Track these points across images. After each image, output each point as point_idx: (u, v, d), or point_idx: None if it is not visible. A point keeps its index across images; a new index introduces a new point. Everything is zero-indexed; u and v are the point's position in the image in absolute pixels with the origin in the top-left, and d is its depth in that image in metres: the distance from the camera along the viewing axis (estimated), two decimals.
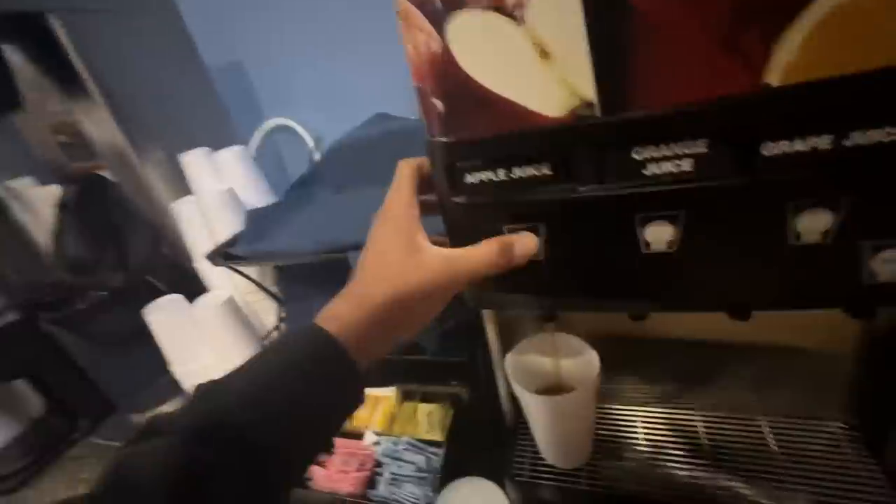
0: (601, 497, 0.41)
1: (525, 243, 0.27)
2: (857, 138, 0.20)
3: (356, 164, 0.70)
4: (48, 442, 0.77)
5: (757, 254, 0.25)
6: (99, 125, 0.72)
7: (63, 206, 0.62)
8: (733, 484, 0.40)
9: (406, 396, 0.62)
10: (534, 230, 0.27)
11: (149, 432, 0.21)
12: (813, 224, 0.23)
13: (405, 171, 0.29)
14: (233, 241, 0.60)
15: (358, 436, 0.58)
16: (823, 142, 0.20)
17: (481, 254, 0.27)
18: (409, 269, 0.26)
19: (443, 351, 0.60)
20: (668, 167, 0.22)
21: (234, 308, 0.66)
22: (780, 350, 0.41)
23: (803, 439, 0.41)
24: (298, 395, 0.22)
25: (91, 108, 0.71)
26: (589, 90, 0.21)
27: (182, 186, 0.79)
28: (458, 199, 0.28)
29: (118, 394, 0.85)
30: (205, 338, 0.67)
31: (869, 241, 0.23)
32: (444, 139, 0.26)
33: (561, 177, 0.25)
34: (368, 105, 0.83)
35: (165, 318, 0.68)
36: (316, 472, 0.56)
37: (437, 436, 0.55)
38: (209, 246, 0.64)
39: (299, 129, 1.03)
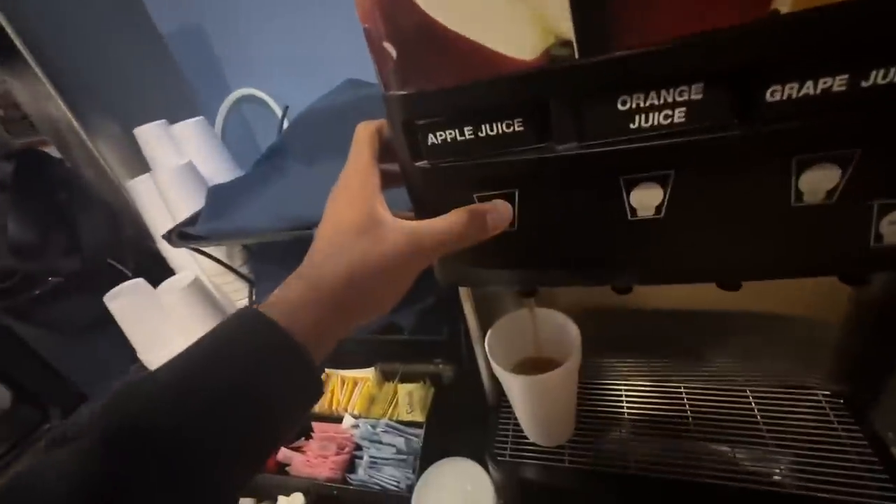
0: (585, 475, 0.40)
1: (499, 212, 0.24)
2: (878, 77, 0.17)
3: (327, 135, 0.66)
4: (20, 433, 0.74)
5: (754, 218, 0.22)
6: (37, 97, 0.66)
7: (0, 187, 0.57)
8: (717, 455, 0.39)
9: (385, 377, 0.60)
10: (508, 197, 0.24)
11: (58, 441, 0.18)
12: (818, 182, 0.20)
13: (362, 136, 0.26)
14: (192, 220, 0.56)
15: (337, 419, 0.56)
16: (838, 83, 0.17)
17: (449, 225, 0.23)
18: (367, 245, 0.23)
19: (422, 329, 0.58)
20: (657, 119, 0.19)
21: (200, 290, 0.62)
22: (766, 318, 0.39)
23: (788, 408, 0.40)
24: (235, 390, 0.19)
25: (27, 79, 0.64)
26: (565, 25, 0.18)
27: (140, 163, 0.74)
28: (420, 164, 0.24)
29: (88, 383, 0.81)
30: (172, 323, 0.64)
31: (878, 200, 0.20)
32: (399, 92, 0.22)
33: (536, 134, 0.21)
34: (340, 71, 0.77)
35: (127, 304, 0.64)
36: (294, 457, 0.54)
37: (418, 416, 0.54)
38: (169, 226, 0.59)
39: (267, 98, 0.96)
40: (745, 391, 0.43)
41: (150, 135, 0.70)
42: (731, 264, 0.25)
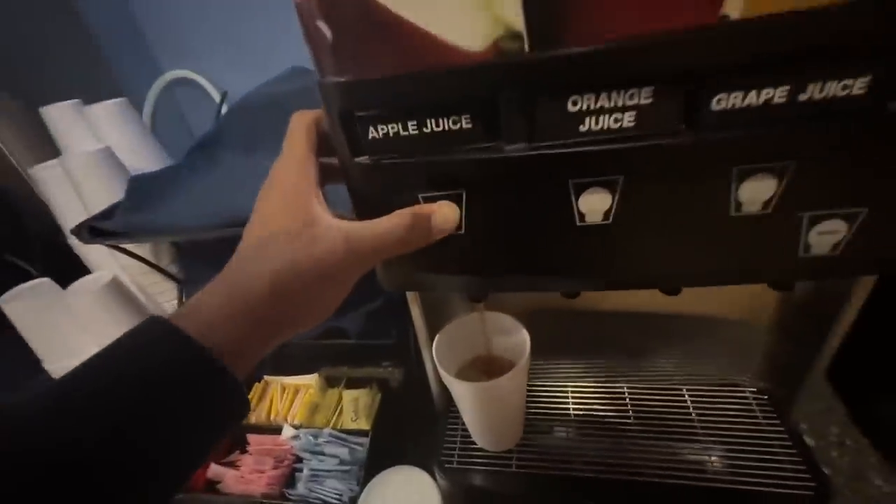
0: (531, 479, 0.40)
1: (444, 214, 0.23)
2: (815, 92, 0.17)
3: (267, 125, 0.61)
4: None
5: (697, 226, 0.22)
6: None
7: None
8: (656, 452, 0.40)
9: (330, 383, 0.57)
10: (454, 199, 0.23)
11: None
12: (756, 192, 0.20)
13: (298, 126, 0.23)
14: (108, 213, 0.49)
15: (275, 430, 0.52)
16: (779, 95, 0.17)
17: (390, 227, 0.21)
18: (299, 248, 0.20)
19: (369, 333, 0.55)
20: (607, 122, 0.19)
21: (119, 292, 0.56)
22: (702, 321, 0.41)
23: (720, 405, 0.42)
24: (140, 410, 0.17)
25: None
26: (515, 15, 0.17)
27: (48, 147, 0.65)
28: (360, 160, 0.22)
29: None
30: (85, 328, 0.57)
31: (809, 211, 0.21)
32: (336, 79, 0.20)
33: (484, 132, 0.20)
34: (286, 57, 0.72)
35: (28, 307, 0.56)
36: (226, 474, 0.50)
37: (364, 424, 0.51)
38: (83, 219, 0.53)
39: (204, 82, 0.89)
40: (681, 390, 0.44)
41: (60, 115, 0.62)
42: (674, 271, 0.25)
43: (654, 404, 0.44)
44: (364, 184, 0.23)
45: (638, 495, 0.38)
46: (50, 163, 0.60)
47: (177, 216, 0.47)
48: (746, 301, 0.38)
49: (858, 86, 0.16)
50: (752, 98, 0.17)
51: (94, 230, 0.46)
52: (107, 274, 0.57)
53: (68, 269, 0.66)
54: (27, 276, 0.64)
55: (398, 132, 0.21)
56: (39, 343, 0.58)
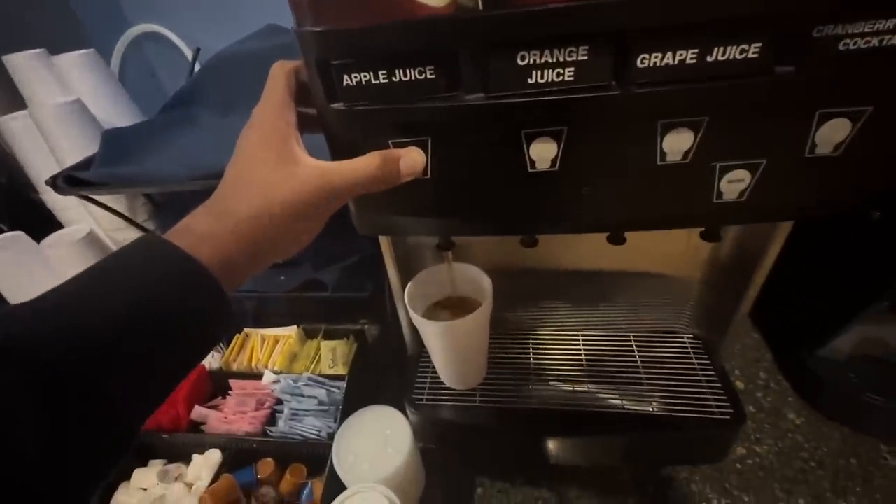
0: (493, 411, 0.45)
1: (412, 158, 0.25)
2: (719, 54, 0.20)
3: (243, 83, 0.61)
4: None
5: (630, 174, 0.26)
6: None
7: None
8: (605, 392, 0.45)
9: (308, 335, 0.60)
10: (421, 145, 0.26)
11: None
12: (676, 144, 0.24)
13: (278, 73, 0.25)
14: (84, 165, 0.50)
15: (257, 376, 0.56)
16: (690, 56, 0.20)
17: (362, 167, 0.24)
18: (279, 182, 0.23)
19: (346, 287, 0.58)
20: (551, 76, 0.22)
21: (95, 246, 0.57)
22: (646, 276, 0.46)
23: (660, 348, 0.48)
24: (134, 314, 0.19)
25: None
26: None
27: (13, 98, 0.63)
28: (335, 106, 0.25)
29: None
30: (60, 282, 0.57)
31: (720, 162, 0.25)
32: (313, 28, 0.22)
33: (446, 83, 0.23)
34: (259, 15, 0.71)
35: (5, 259, 0.56)
36: (209, 415, 0.53)
37: (341, 370, 0.55)
38: (54, 172, 0.53)
39: (174, 38, 0.86)
40: (628, 337, 0.50)
41: (26, 65, 0.60)
42: (614, 216, 0.29)
43: (604, 349, 0.49)
44: (339, 129, 0.26)
45: (587, 423, 0.43)
46: (18, 114, 0.59)
47: (155, 169, 0.48)
48: (683, 258, 0.43)
49: (752, 50, 0.20)
50: (669, 58, 0.20)
51: (70, 179, 0.47)
52: (83, 227, 0.57)
53: (37, 224, 0.65)
54: None
55: (370, 80, 0.23)
56: (16, 296, 0.59)
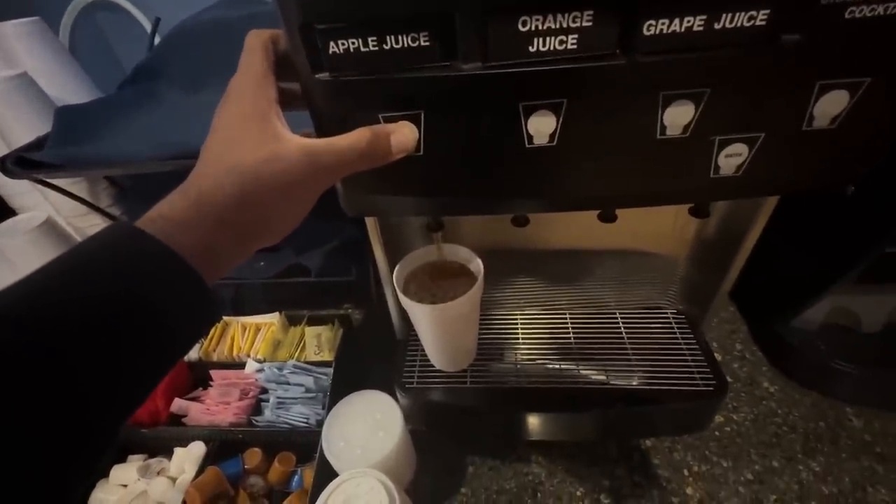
0: (483, 392, 0.45)
1: (403, 133, 0.24)
2: (727, 21, 0.19)
3: (210, 55, 0.57)
4: None
5: (629, 148, 0.25)
6: None
7: None
8: (592, 368, 0.46)
9: (291, 321, 0.59)
10: (413, 119, 0.24)
11: None
12: (677, 117, 0.23)
13: (254, 43, 0.23)
14: (36, 145, 0.46)
15: (239, 366, 0.54)
16: (698, 23, 0.20)
17: (350, 143, 0.23)
18: (261, 161, 0.21)
19: (329, 271, 0.57)
20: (553, 43, 0.20)
21: (53, 234, 0.53)
22: (634, 254, 0.46)
23: (645, 324, 0.49)
24: (107, 303, 0.17)
25: None
26: None
27: None
28: (321, 76, 0.23)
29: None
30: (15, 271, 0.53)
31: (718, 136, 0.24)
32: None
33: (441, 51, 0.21)
34: None
35: None
36: (191, 407, 0.51)
37: (327, 357, 0.54)
38: (2, 152, 0.48)
39: (131, 7, 0.80)
40: (615, 314, 0.50)
41: None
42: (609, 192, 0.28)
43: (591, 326, 0.49)
44: (325, 102, 0.24)
45: (576, 399, 0.43)
46: None
47: (118, 149, 0.44)
48: (670, 235, 0.43)
49: (760, 17, 0.19)
50: (677, 25, 0.20)
51: (22, 161, 0.43)
52: (39, 214, 0.53)
53: None
54: None
55: (358, 48, 0.21)
56: None
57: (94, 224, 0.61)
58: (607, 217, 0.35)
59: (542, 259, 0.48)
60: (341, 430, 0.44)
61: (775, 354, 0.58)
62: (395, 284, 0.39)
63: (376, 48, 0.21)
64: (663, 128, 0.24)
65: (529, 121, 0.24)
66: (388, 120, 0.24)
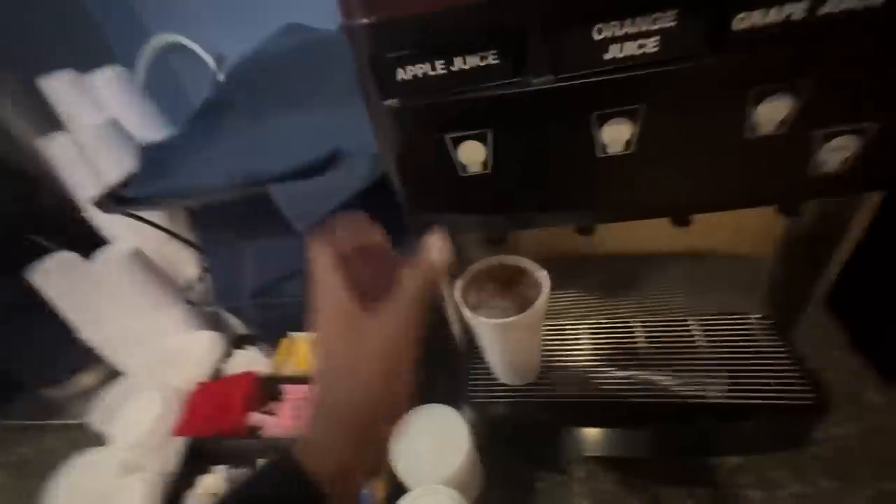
0: (552, 406, 0.43)
1: (435, 247, 0.25)
2: (831, 5, 0.17)
3: (271, 86, 0.61)
4: None
5: (713, 151, 0.23)
6: None
7: None
8: (665, 379, 0.43)
9: None
10: (481, 138, 0.24)
11: None
12: (773, 112, 0.21)
13: (317, 254, 0.24)
14: (126, 183, 0.50)
15: (309, 381, 0.56)
16: (798, 9, 0.18)
17: (410, 289, 0.23)
18: (356, 351, 0.23)
19: None
20: (631, 48, 0.19)
21: (142, 261, 0.57)
22: (708, 259, 0.43)
23: (726, 332, 0.45)
24: None
25: None
26: None
27: (50, 119, 0.64)
28: (389, 103, 0.23)
29: (22, 369, 0.74)
30: (113, 298, 0.59)
31: (821, 129, 0.22)
32: (365, 20, 0.20)
33: (511, 67, 0.21)
34: (276, 14, 0.70)
35: (57, 280, 0.58)
36: (266, 420, 0.54)
37: None
38: (97, 191, 0.53)
39: (195, 47, 0.86)
40: (688, 321, 0.47)
41: (60, 87, 0.61)
42: (690, 198, 0.26)
43: (664, 336, 0.46)
44: (392, 127, 0.24)
45: (651, 414, 0.41)
46: (58, 135, 0.60)
47: (193, 181, 0.47)
48: (750, 236, 0.40)
49: None
50: (774, 15, 0.18)
51: (118, 198, 0.47)
52: (129, 245, 0.58)
53: (81, 242, 0.67)
54: (45, 252, 0.65)
55: (427, 72, 0.21)
56: (72, 314, 0.61)
57: (174, 250, 0.66)
58: (680, 221, 0.33)
59: (608, 265, 0.46)
60: (411, 445, 0.44)
61: (882, 363, 0.51)
62: (458, 299, 0.38)
63: (444, 71, 0.21)
64: (754, 125, 0.22)
65: (603, 129, 0.23)
66: (455, 140, 0.24)
